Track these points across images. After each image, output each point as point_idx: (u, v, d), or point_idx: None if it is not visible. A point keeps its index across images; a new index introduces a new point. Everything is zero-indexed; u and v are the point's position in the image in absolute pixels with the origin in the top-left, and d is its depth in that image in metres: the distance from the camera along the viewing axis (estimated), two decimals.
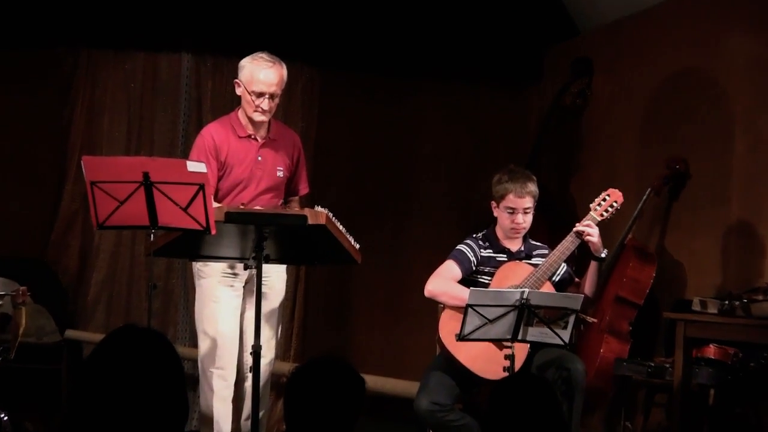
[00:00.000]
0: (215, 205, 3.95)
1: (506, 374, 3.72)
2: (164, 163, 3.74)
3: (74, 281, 5.71)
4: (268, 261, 3.87)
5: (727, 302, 4.26)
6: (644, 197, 5.03)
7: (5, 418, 4.36)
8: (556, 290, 4.15)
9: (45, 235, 5.70)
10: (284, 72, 4.28)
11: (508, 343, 3.79)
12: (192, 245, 3.92)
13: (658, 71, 5.39)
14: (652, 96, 5.44)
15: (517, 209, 4.17)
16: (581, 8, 6.03)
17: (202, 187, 3.59)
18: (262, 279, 3.87)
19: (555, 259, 4.13)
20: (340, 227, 3.83)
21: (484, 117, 6.31)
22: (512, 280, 4.11)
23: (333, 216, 3.79)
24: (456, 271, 4.18)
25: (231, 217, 3.68)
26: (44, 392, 5.28)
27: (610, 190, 4.22)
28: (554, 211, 5.52)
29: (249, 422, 4.23)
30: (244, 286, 4.30)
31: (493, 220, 4.29)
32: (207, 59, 5.82)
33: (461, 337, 3.75)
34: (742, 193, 4.80)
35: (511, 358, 3.78)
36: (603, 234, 4.19)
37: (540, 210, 4.30)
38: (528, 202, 4.18)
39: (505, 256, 4.24)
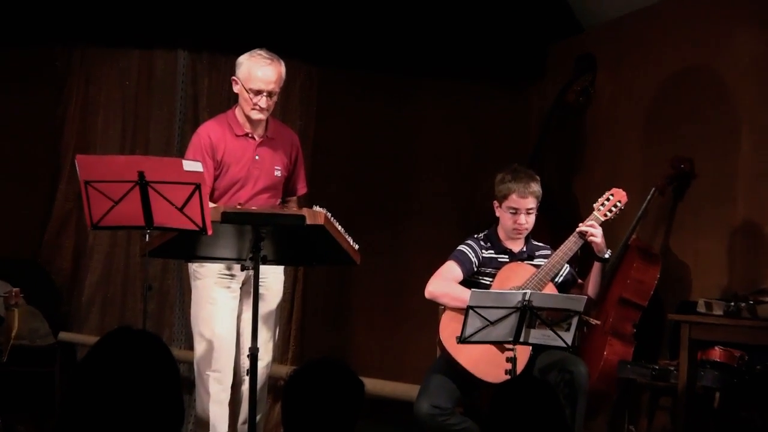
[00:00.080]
0: (211, 205, 3.95)
1: (508, 377, 3.73)
2: (160, 163, 3.74)
3: (68, 282, 5.70)
4: (265, 262, 3.86)
5: (732, 304, 4.25)
6: (648, 197, 5.03)
7: None
8: (559, 292, 4.15)
9: (38, 235, 5.70)
10: (282, 69, 4.28)
11: (510, 346, 3.79)
12: (188, 246, 3.91)
13: (663, 69, 5.39)
14: (656, 94, 5.44)
15: (519, 210, 4.17)
16: (584, 5, 6.03)
17: (198, 186, 3.58)
18: (260, 280, 3.87)
19: (558, 260, 4.13)
20: (339, 227, 3.83)
21: (485, 115, 6.31)
22: (514, 282, 4.11)
23: (331, 216, 3.78)
24: (457, 272, 4.18)
25: (228, 218, 3.68)
26: (37, 395, 5.27)
27: (614, 190, 4.22)
28: (557, 211, 5.52)
29: (246, 426, 4.22)
30: (240, 288, 4.30)
31: (495, 220, 4.29)
32: (203, 56, 5.82)
33: (462, 340, 3.75)
34: (748, 193, 4.80)
35: (512, 360, 3.77)
36: (606, 234, 4.19)
37: (542, 210, 4.30)
38: (531, 203, 4.18)
39: (506, 256, 4.24)
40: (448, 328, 4.05)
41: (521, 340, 3.77)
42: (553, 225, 5.10)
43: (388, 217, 6.21)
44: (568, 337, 3.77)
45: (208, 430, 4.25)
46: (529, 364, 4.02)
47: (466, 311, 3.73)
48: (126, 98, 5.76)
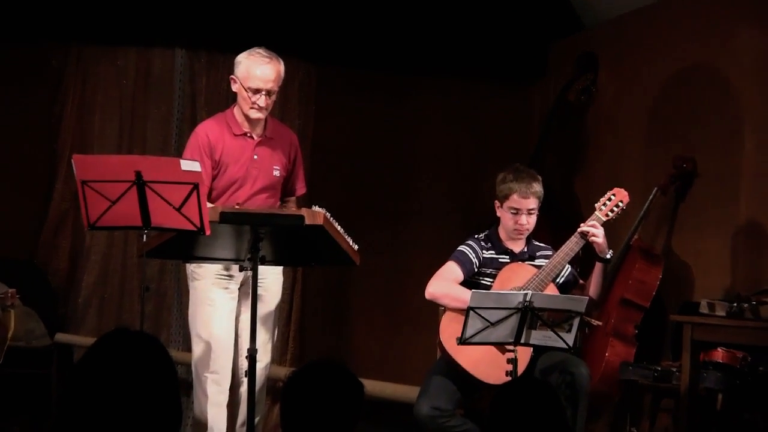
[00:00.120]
0: (209, 205, 3.95)
1: (509, 378, 3.72)
2: (157, 162, 3.74)
3: (64, 283, 5.70)
4: (264, 262, 3.86)
5: (735, 304, 4.26)
6: (651, 197, 5.03)
7: None
8: (560, 292, 4.15)
9: (34, 235, 5.69)
10: (281, 68, 4.28)
11: (511, 347, 3.79)
12: (186, 246, 3.91)
13: (665, 67, 5.39)
14: (658, 93, 5.44)
15: (521, 210, 4.17)
16: (586, 2, 6.03)
17: (196, 186, 3.59)
18: (258, 281, 3.87)
19: (559, 261, 4.13)
20: (338, 228, 3.83)
21: (486, 114, 6.31)
22: (515, 282, 4.11)
23: (331, 216, 3.78)
24: (457, 273, 4.18)
25: (226, 218, 3.68)
26: (33, 398, 5.27)
27: (616, 190, 4.22)
28: (558, 211, 5.52)
29: (244, 428, 4.23)
30: (239, 289, 4.30)
31: (496, 221, 4.29)
32: (201, 55, 5.82)
33: (462, 341, 3.75)
34: (751, 192, 4.80)
35: (513, 362, 3.77)
36: (608, 235, 4.19)
37: (543, 210, 4.30)
38: (532, 203, 4.17)
39: (507, 257, 4.24)
40: (449, 329, 4.05)
41: (522, 341, 3.77)
42: (554, 225, 5.10)
43: (387, 217, 6.21)
44: (570, 338, 3.77)
45: None
46: (530, 365, 4.02)
47: (466, 312, 3.73)
48: (123, 97, 5.76)
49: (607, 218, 4.17)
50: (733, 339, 4.29)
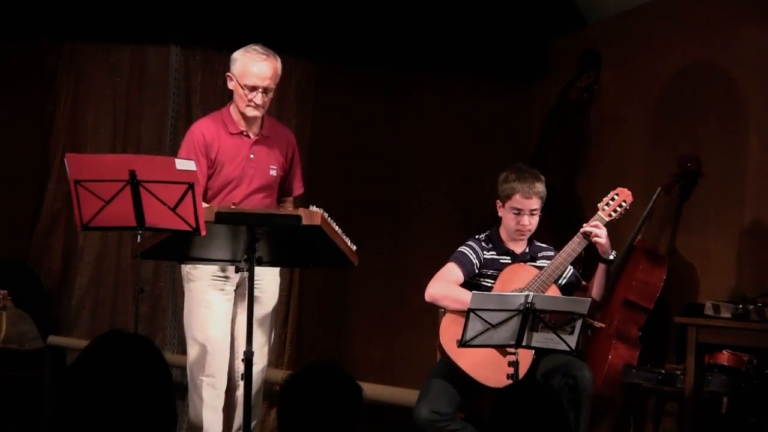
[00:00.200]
0: (205, 205, 3.95)
1: (510, 382, 3.72)
2: (151, 161, 3.74)
3: (57, 285, 5.70)
4: (260, 263, 3.86)
5: (740, 306, 4.26)
6: (654, 197, 5.03)
7: None
8: (563, 294, 4.15)
9: (27, 236, 5.69)
10: (278, 65, 4.28)
11: (512, 350, 3.79)
12: (181, 247, 3.91)
13: (668, 65, 5.39)
14: (662, 91, 5.44)
15: (523, 210, 4.17)
16: None
17: (191, 186, 3.58)
18: (255, 282, 3.86)
19: (561, 262, 4.13)
20: (336, 228, 3.83)
21: (487, 113, 6.31)
22: (516, 283, 4.11)
23: (329, 216, 3.78)
24: (458, 274, 4.18)
25: (221, 218, 3.68)
26: (26, 401, 5.27)
27: (619, 190, 4.22)
28: (560, 211, 5.52)
29: None
30: (235, 290, 4.30)
31: (497, 221, 4.29)
32: (196, 52, 5.82)
33: (463, 343, 3.75)
34: (757, 192, 4.80)
35: (515, 364, 3.78)
36: (611, 235, 4.19)
37: (545, 210, 4.30)
38: (535, 204, 4.17)
39: (509, 258, 4.24)
40: (449, 332, 4.05)
41: (523, 343, 3.77)
42: (556, 225, 5.10)
43: (386, 217, 6.21)
44: (572, 340, 3.77)
45: None
46: (532, 368, 4.02)
47: (466, 314, 3.73)
48: (117, 95, 5.76)
49: (610, 218, 4.17)
50: (739, 341, 4.30)
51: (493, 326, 3.72)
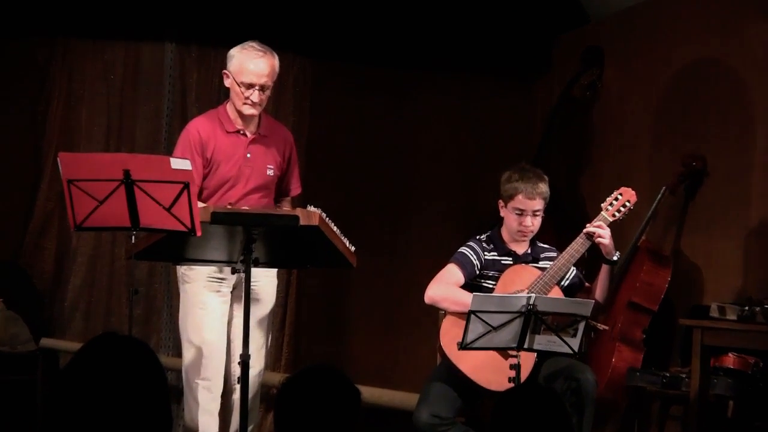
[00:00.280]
0: (201, 204, 3.95)
1: (511, 385, 3.73)
2: (146, 160, 3.74)
3: (50, 286, 5.70)
4: (257, 264, 3.86)
5: (747, 308, 4.26)
6: (659, 196, 5.03)
7: None
8: (565, 295, 4.15)
9: (19, 237, 5.69)
10: (276, 62, 4.28)
11: (514, 352, 3.79)
12: (176, 248, 3.91)
13: (674, 62, 5.39)
14: (666, 88, 5.44)
15: (526, 211, 4.17)
16: None
17: (186, 185, 3.59)
18: (251, 284, 3.86)
19: (564, 263, 4.13)
20: (335, 228, 3.83)
21: (488, 111, 6.31)
22: (518, 285, 4.11)
23: (327, 216, 3.78)
24: (458, 276, 4.18)
25: (217, 218, 3.68)
26: (18, 404, 5.27)
27: (623, 189, 4.22)
28: (563, 211, 5.52)
29: None
30: (231, 292, 4.30)
31: (498, 221, 4.29)
32: (192, 49, 5.82)
33: (463, 346, 3.75)
34: (763, 192, 4.80)
35: (516, 367, 3.78)
36: (615, 235, 4.20)
37: (548, 210, 4.30)
38: (538, 204, 4.18)
39: (510, 259, 4.24)
40: (449, 334, 4.05)
41: (525, 346, 3.77)
42: (559, 226, 5.10)
43: (386, 217, 6.21)
44: (575, 343, 3.78)
45: None
46: (534, 371, 4.02)
47: (467, 316, 3.73)
48: (111, 93, 5.76)
49: (614, 218, 4.18)
50: (745, 344, 4.30)
51: (495, 328, 3.72)
